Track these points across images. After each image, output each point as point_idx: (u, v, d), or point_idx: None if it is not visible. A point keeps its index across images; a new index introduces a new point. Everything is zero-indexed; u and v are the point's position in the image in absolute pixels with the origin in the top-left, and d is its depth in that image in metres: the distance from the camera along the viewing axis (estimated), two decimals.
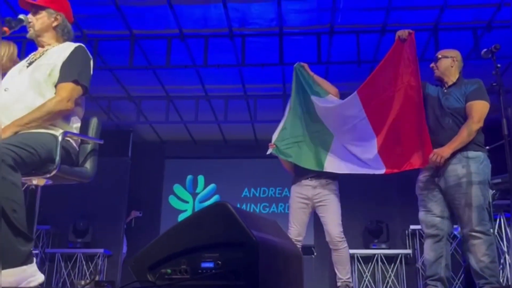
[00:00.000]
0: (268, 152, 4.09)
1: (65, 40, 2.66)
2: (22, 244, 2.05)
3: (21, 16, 2.48)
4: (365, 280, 7.45)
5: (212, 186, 9.25)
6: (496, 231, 4.75)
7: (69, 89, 2.43)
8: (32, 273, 2.06)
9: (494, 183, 4.51)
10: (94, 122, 2.80)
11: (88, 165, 2.67)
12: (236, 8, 5.53)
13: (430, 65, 3.58)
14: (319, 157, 3.93)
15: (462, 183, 3.21)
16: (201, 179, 9.30)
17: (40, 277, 2.09)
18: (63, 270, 7.22)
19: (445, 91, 3.46)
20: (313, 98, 3.99)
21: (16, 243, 2.03)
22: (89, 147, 2.69)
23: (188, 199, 9.24)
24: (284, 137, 4.06)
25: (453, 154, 3.26)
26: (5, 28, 2.34)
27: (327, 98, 3.99)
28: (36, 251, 6.75)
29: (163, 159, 9.37)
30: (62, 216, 7.35)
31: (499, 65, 3.17)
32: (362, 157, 3.75)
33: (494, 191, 4.59)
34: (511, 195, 3.27)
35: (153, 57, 6.36)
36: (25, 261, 2.04)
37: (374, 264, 7.43)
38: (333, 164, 3.87)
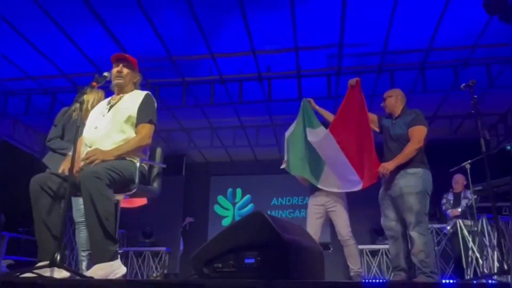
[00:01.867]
0: (282, 167, 4.10)
1: (134, 89, 2.72)
2: (110, 245, 2.10)
3: (106, 74, 2.52)
4: (372, 270, 7.28)
5: (247, 196, 9.24)
6: (479, 229, 4.61)
7: (148, 128, 2.50)
8: (117, 267, 2.10)
9: (476, 190, 4.40)
10: (158, 151, 2.86)
11: (155, 184, 2.72)
12: (263, 58, 5.61)
13: (381, 105, 3.63)
14: (316, 174, 3.91)
15: (403, 194, 3.21)
16: (239, 191, 9.31)
17: (123, 270, 2.13)
18: (135, 265, 7.29)
19: (393, 122, 3.49)
20: (307, 130, 4.02)
21: (106, 244, 2.08)
22: (155, 170, 2.74)
23: (229, 207, 9.25)
24: (293, 156, 4.06)
25: (397, 171, 3.27)
26: (94, 83, 2.43)
27: (318, 130, 3.99)
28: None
29: (209, 176, 9.42)
30: (133, 222, 7.40)
31: (475, 96, 3.14)
32: (344, 177, 3.75)
33: (476, 196, 4.47)
34: (491, 199, 3.17)
35: (200, 97, 6.44)
36: (112, 257, 2.08)
37: (380, 257, 7.27)
38: (325, 183, 3.86)
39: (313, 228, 3.94)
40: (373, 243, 7.36)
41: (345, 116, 3.73)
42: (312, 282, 1.96)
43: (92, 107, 3.30)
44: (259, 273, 1.90)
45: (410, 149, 3.25)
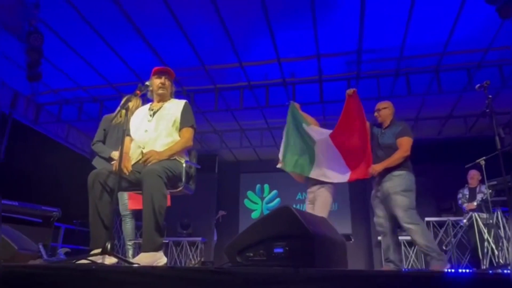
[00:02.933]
0: (278, 166, 4.06)
1: (170, 98, 2.75)
2: (158, 236, 2.14)
3: (147, 83, 2.57)
4: None
5: (274, 192, 9.23)
6: (494, 221, 4.43)
7: (190, 132, 2.56)
8: (160, 257, 2.14)
9: (491, 184, 4.25)
10: (193, 153, 2.87)
11: (191, 182, 2.73)
12: (288, 64, 5.58)
13: (374, 115, 3.63)
14: (308, 165, 3.89)
15: (390, 193, 3.27)
16: (266, 187, 9.31)
17: (164, 259, 2.17)
18: (174, 253, 7.40)
19: (382, 131, 3.54)
20: (304, 126, 4.01)
21: (155, 235, 2.12)
22: (192, 170, 2.75)
23: (257, 201, 9.26)
24: (287, 155, 4.03)
25: (384, 174, 3.34)
26: (138, 91, 2.49)
27: (311, 127, 4.00)
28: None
29: (239, 173, 9.45)
30: (173, 215, 7.53)
31: (490, 96, 3.02)
32: (334, 169, 3.74)
33: (491, 190, 4.31)
34: (507, 193, 3.06)
35: (230, 102, 6.47)
36: (157, 248, 2.12)
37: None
38: (315, 173, 3.83)
39: None
40: None
41: (344, 123, 3.73)
42: (336, 270, 1.93)
43: (132, 113, 3.39)
44: (287, 262, 1.90)
45: (398, 156, 3.33)
